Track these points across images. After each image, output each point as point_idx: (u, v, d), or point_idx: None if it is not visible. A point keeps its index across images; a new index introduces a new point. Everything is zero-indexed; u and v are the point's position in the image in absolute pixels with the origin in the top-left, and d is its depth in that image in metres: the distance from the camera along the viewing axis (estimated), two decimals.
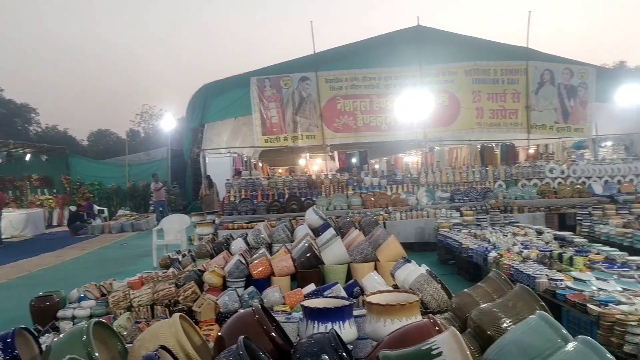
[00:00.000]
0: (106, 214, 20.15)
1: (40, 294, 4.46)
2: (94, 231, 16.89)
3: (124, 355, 2.38)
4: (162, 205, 17.75)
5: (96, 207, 19.83)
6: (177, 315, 2.25)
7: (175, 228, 9.54)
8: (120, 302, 4.18)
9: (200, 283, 4.24)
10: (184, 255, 6.02)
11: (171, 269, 5.31)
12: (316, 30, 13.17)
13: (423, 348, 1.70)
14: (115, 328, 2.93)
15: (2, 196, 15.43)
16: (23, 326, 2.40)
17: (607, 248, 5.96)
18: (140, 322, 3.67)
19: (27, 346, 2.38)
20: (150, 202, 19.92)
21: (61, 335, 2.36)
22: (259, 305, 2.15)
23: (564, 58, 13.80)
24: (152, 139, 42.17)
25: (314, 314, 2.17)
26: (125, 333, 3.36)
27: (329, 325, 2.13)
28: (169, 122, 22.13)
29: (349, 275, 4.31)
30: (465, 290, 2.60)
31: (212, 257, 5.48)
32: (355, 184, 11.13)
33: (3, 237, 14.68)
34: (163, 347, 1.99)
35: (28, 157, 21.66)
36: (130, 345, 2.40)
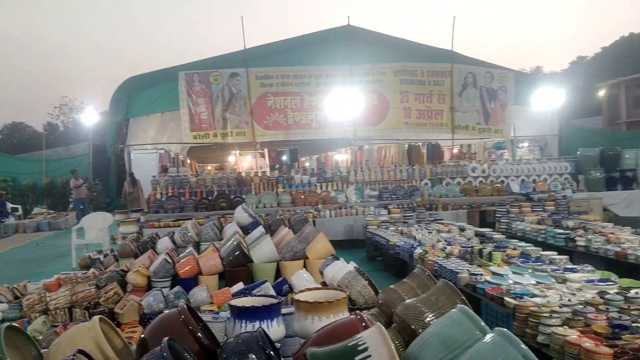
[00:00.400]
0: (20, 212, 18.98)
1: None
2: (6, 230, 15.96)
3: None
4: (82, 203, 16.95)
5: (9, 205, 18.63)
6: (96, 317, 2.15)
7: (97, 227, 9.14)
8: (35, 305, 3.95)
9: (123, 284, 4.09)
10: (105, 255, 5.77)
11: (92, 270, 5.07)
12: (247, 26, 13.07)
13: (349, 344, 1.72)
14: (29, 332, 2.77)
15: None
16: None
17: (522, 244, 6.30)
18: (57, 326, 3.48)
19: None
20: (70, 199, 18.97)
21: None
22: (185, 305, 2.09)
23: (486, 62, 14.46)
24: (72, 133, 40.19)
25: (241, 313, 2.15)
26: (40, 338, 3.18)
27: (257, 324, 2.11)
28: (91, 116, 21.16)
29: (278, 273, 4.30)
30: (391, 286, 2.66)
31: (136, 256, 5.29)
32: (285, 181, 11.13)
33: None
34: (81, 352, 1.90)
35: None
36: (46, 350, 2.28)
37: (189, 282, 4.05)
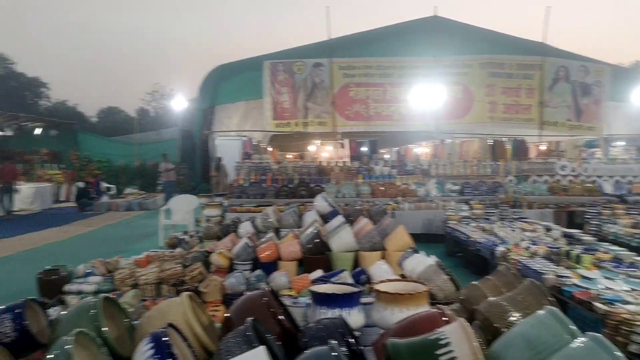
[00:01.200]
0: (114, 191, 20.19)
1: (47, 267, 4.47)
2: (100, 208, 16.99)
3: (131, 331, 2.39)
4: (170, 185, 17.80)
5: (104, 184, 19.88)
6: (186, 294, 2.26)
7: (183, 209, 9.56)
8: (126, 279, 4.19)
9: (206, 264, 4.26)
10: (191, 236, 6.04)
11: (178, 249, 5.33)
12: (331, 16, 13.08)
13: (431, 337, 1.70)
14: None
15: (15, 169, 15.58)
16: (32, 297, 2.42)
17: (615, 247, 5.92)
18: (146, 300, 3.68)
19: (36, 318, 2.40)
20: (159, 181, 19.97)
21: (70, 309, 2.38)
22: (269, 289, 2.15)
23: (580, 55, 13.63)
24: (162, 118, 42.16)
25: (322, 299, 2.18)
26: (131, 310, 3.38)
27: (337, 311, 2.13)
28: (180, 102, 22.10)
29: (356, 263, 4.31)
30: (474, 282, 2.59)
31: (219, 238, 5.49)
32: (365, 172, 11.10)
33: (12, 210, 14.81)
34: (171, 325, 2.00)
35: (38, 131, 21.58)
36: (138, 322, 2.42)
37: (269, 267, 4.15)
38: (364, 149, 19.80)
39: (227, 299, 3.51)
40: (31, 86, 45.67)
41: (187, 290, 3.62)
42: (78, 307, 2.33)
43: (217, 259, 4.20)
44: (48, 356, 1.83)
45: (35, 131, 21.45)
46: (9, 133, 20.23)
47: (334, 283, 2.79)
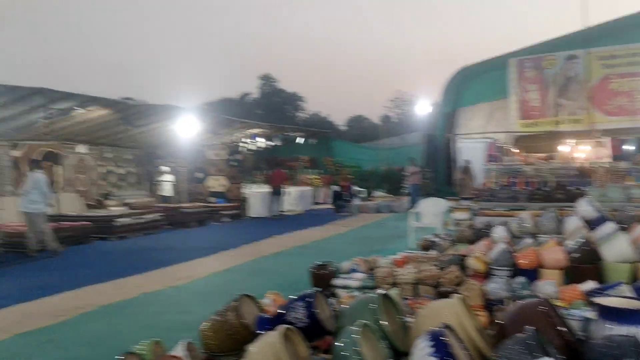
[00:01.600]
0: (364, 194, 21.49)
1: (318, 262, 4.97)
2: (353, 210, 18.24)
3: (402, 327, 2.54)
4: (416, 188, 18.22)
5: (355, 188, 21.30)
6: (460, 297, 2.32)
7: (432, 211, 9.70)
8: (385, 277, 4.40)
9: (461, 267, 4.25)
10: (443, 239, 6.09)
11: (431, 251, 5.42)
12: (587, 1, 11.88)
13: None
14: None
15: (283, 174, 17.89)
16: (319, 289, 2.75)
17: None
18: (406, 299, 3.84)
19: (322, 307, 2.72)
20: (405, 185, 20.61)
21: (352, 302, 2.65)
22: (547, 298, 2.08)
23: None
24: (404, 123, 43.45)
25: (611, 314, 2.01)
26: None
27: (630, 328, 1.94)
28: (423, 107, 22.51)
29: (634, 276, 3.84)
30: None
31: (470, 242, 5.43)
32: (637, 174, 9.73)
33: (282, 210, 16.97)
34: (447, 326, 2.07)
35: (300, 140, 24.16)
36: (408, 319, 2.56)
37: (530, 274, 3.96)
38: (630, 147, 17.42)
39: (488, 305, 3.46)
40: (291, 100, 51.77)
41: (446, 292, 3.69)
42: (359, 301, 2.58)
43: (474, 263, 4.17)
44: (337, 343, 2.07)
45: (297, 140, 24.12)
46: (277, 143, 23.13)
47: (616, 296, 2.54)
